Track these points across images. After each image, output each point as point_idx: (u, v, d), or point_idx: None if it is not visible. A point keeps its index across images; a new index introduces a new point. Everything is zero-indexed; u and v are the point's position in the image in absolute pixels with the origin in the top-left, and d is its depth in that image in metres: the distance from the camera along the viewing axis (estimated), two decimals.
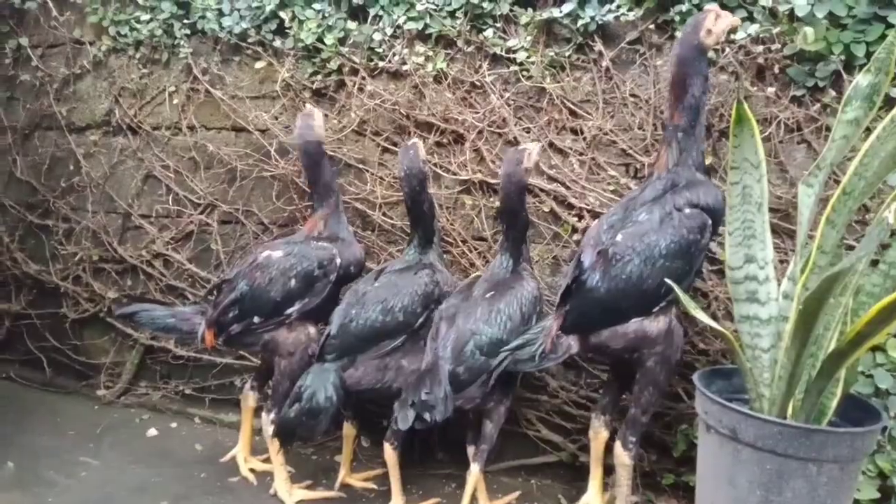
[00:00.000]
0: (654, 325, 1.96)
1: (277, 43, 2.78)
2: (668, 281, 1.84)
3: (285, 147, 2.83)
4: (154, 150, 3.09)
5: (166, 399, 3.18)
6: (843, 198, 1.61)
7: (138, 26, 3.00)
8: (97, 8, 3.05)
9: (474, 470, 2.18)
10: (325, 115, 2.63)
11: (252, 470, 2.60)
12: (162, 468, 2.63)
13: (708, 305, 2.30)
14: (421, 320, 2.27)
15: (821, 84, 2.11)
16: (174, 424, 3.03)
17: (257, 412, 2.58)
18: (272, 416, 2.37)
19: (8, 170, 3.39)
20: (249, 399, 2.61)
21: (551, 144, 2.48)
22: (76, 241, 3.28)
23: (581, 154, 2.45)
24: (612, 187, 2.40)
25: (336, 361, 2.24)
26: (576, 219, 2.45)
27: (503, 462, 2.63)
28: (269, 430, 2.37)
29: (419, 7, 2.54)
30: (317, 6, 2.69)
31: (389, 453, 2.25)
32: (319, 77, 2.76)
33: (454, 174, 2.61)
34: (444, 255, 2.56)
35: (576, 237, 2.46)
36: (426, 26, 2.56)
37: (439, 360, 2.10)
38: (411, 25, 2.57)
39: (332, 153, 2.64)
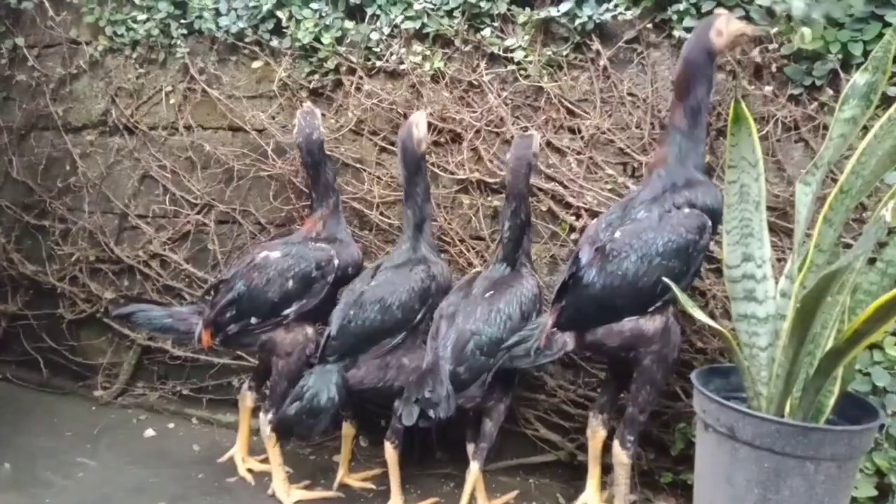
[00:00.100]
0: (651, 323, 1.96)
1: (274, 42, 2.77)
2: (664, 280, 1.84)
3: (282, 147, 2.83)
4: (151, 150, 3.09)
5: (163, 399, 3.18)
6: (841, 196, 1.62)
7: (135, 26, 3.00)
8: (94, 8, 3.04)
9: (474, 468, 2.18)
10: (323, 115, 2.63)
11: (250, 470, 2.59)
12: (159, 469, 2.63)
13: (706, 304, 2.30)
14: (419, 316, 2.27)
15: (818, 83, 2.11)
16: (171, 425, 3.03)
17: (255, 412, 2.58)
18: (270, 416, 2.36)
19: (4, 170, 3.38)
20: (247, 399, 2.61)
21: (549, 143, 2.48)
22: (73, 242, 3.27)
23: (579, 153, 2.45)
24: (609, 186, 2.40)
25: (338, 362, 2.24)
26: (573, 218, 2.45)
27: (501, 461, 2.63)
28: (266, 430, 2.37)
29: (416, 6, 2.54)
30: (314, 6, 2.68)
31: (390, 452, 2.25)
32: (316, 76, 2.76)
33: (452, 173, 2.61)
34: (442, 255, 2.55)
35: (573, 236, 2.46)
36: (423, 25, 2.55)
37: (440, 359, 2.11)
38: (408, 25, 2.56)
39: (329, 152, 2.63)
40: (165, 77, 3.02)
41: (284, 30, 2.72)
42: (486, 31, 2.49)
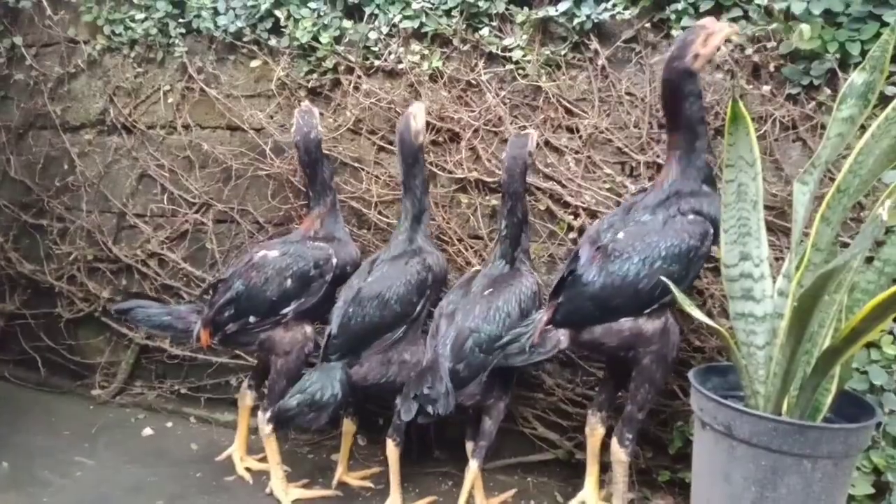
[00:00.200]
0: (650, 323, 1.97)
1: (273, 42, 2.77)
2: (663, 279, 1.84)
3: (281, 146, 2.83)
4: (149, 150, 3.09)
5: (161, 398, 3.18)
6: (838, 195, 1.62)
7: (133, 25, 3.00)
8: (92, 7, 3.04)
9: (473, 466, 2.19)
10: (321, 114, 2.63)
11: (248, 469, 2.59)
12: (157, 468, 2.63)
13: (703, 303, 2.31)
14: (419, 308, 2.28)
15: (816, 82, 2.12)
16: (169, 424, 3.03)
17: (254, 411, 2.58)
18: (268, 414, 2.36)
19: (2, 169, 3.38)
20: (247, 398, 2.61)
21: (547, 143, 2.48)
22: (71, 241, 3.27)
23: (577, 152, 2.45)
24: (607, 185, 2.41)
25: (341, 360, 2.24)
26: (572, 217, 2.46)
27: (500, 460, 2.63)
28: (265, 428, 2.37)
29: (415, 6, 2.54)
30: (312, 5, 2.68)
31: (391, 449, 2.25)
32: (315, 76, 2.76)
33: (450, 173, 2.62)
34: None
35: (572, 235, 2.46)
36: (422, 25, 2.56)
37: (439, 357, 2.11)
38: (407, 24, 2.57)
39: (327, 152, 2.64)
40: (163, 76, 3.02)
41: (283, 29, 2.72)
42: (485, 31, 2.49)
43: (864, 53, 1.99)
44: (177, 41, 2.93)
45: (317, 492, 2.46)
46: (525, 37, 2.45)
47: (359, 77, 2.69)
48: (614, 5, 2.32)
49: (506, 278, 2.23)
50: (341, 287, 2.39)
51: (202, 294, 2.82)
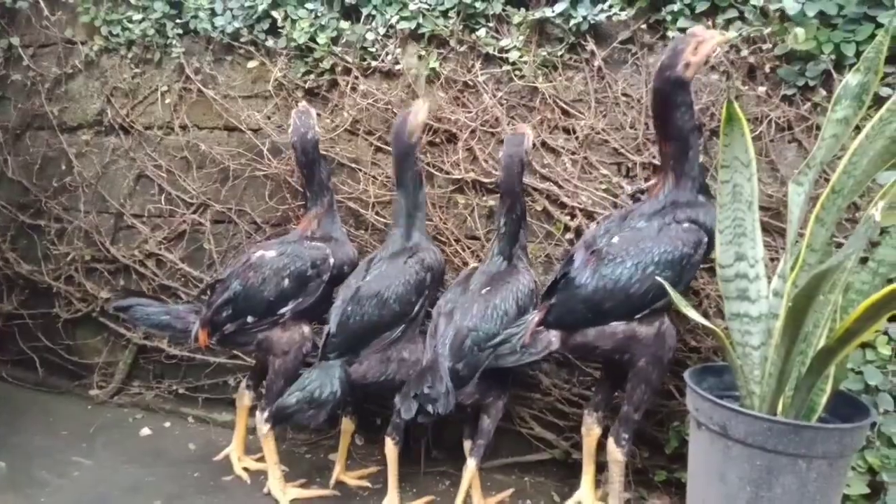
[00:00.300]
0: (644, 327, 1.98)
1: (270, 42, 2.77)
2: (658, 279, 1.85)
3: (278, 146, 2.83)
4: (146, 150, 3.09)
5: (159, 398, 3.18)
6: (833, 196, 1.63)
7: (130, 26, 3.00)
8: (89, 7, 3.04)
9: (471, 465, 2.19)
10: (318, 115, 2.63)
11: (246, 469, 2.60)
12: (155, 467, 2.63)
13: (699, 303, 2.32)
14: (417, 308, 2.28)
15: (811, 83, 2.13)
16: (167, 424, 3.03)
17: (252, 411, 2.58)
18: (266, 414, 2.37)
19: None
20: (245, 398, 2.61)
21: (544, 143, 2.48)
22: (68, 241, 3.27)
23: (573, 153, 2.46)
24: (604, 186, 2.41)
25: (340, 359, 2.25)
26: (568, 217, 2.46)
27: (497, 459, 2.64)
28: (262, 428, 2.38)
29: (412, 7, 2.55)
30: (309, 6, 2.69)
31: (390, 448, 2.25)
32: (312, 76, 2.76)
33: (447, 173, 2.62)
34: None
35: (568, 236, 2.47)
36: (419, 26, 2.56)
37: (439, 356, 2.12)
38: (404, 25, 2.57)
39: (324, 152, 2.64)
40: (161, 77, 3.02)
41: (280, 30, 2.72)
42: (482, 32, 2.49)
43: (858, 55, 2.00)
44: (174, 42, 2.93)
45: (314, 491, 2.47)
46: (521, 38, 2.45)
47: (356, 78, 2.69)
48: (610, 6, 2.32)
49: (503, 276, 2.24)
50: (338, 287, 2.40)
51: (200, 294, 2.83)
